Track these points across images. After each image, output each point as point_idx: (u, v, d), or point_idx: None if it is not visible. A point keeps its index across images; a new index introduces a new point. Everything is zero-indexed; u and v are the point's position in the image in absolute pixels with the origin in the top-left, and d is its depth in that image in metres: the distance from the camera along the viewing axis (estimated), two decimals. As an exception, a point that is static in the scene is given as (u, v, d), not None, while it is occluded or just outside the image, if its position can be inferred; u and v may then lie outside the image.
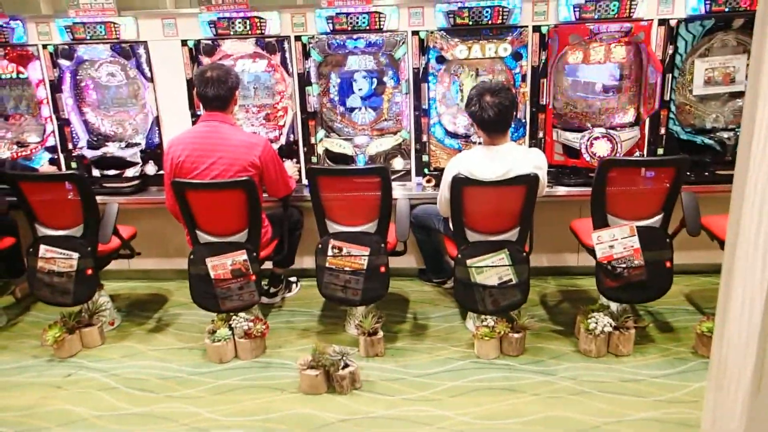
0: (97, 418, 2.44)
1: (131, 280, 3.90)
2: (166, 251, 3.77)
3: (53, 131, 3.61)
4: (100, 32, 3.40)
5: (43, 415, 2.49)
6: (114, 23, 3.38)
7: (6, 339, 3.19)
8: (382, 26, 3.28)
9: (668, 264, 2.73)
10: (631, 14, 3.16)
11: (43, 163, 3.63)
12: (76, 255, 2.91)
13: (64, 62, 3.48)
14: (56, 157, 3.64)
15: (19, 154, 3.59)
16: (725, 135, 3.25)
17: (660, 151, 3.31)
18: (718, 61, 3.26)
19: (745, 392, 0.89)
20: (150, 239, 3.64)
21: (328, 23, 3.27)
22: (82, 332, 3.00)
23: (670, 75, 3.20)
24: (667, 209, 2.71)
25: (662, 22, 3.16)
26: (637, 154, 3.30)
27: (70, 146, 3.61)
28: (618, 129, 3.28)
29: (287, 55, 3.37)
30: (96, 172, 3.55)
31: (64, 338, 2.89)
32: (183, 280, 3.28)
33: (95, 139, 3.64)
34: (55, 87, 3.53)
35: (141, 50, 3.43)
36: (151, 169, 3.55)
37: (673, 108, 3.26)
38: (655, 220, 2.73)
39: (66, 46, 3.44)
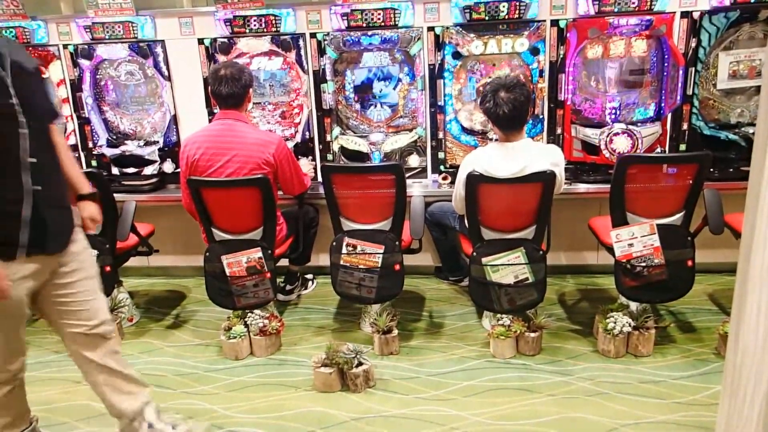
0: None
1: (150, 276, 3.96)
2: (184, 248, 3.81)
3: (74, 130, 3.67)
4: (119, 32, 3.44)
5: (64, 410, 2.53)
6: (132, 23, 3.41)
7: (28, 335, 3.22)
8: (397, 22, 3.25)
9: (690, 263, 2.67)
10: (652, 7, 3.08)
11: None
12: (95, 252, 2.94)
13: (83, 62, 3.53)
14: (77, 155, 3.69)
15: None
16: (750, 130, 3.16)
17: (682, 147, 3.23)
18: (744, 54, 3.17)
19: (761, 399, 0.85)
20: (168, 236, 3.68)
21: (342, 20, 3.26)
22: (102, 328, 3.04)
23: (693, 69, 3.12)
24: (688, 207, 2.65)
25: (685, 14, 3.08)
26: (659, 150, 3.22)
27: (91, 144, 3.66)
28: (639, 125, 3.21)
29: (302, 52, 3.37)
30: (115, 170, 3.59)
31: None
32: (200, 277, 3.31)
33: (114, 137, 3.69)
34: (76, 86, 3.58)
35: (158, 49, 3.46)
36: (168, 167, 3.58)
37: (696, 103, 3.17)
38: (676, 218, 2.66)
39: (85, 46, 3.49)
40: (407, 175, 3.16)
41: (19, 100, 1.63)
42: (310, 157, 3.53)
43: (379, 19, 3.25)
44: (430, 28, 3.25)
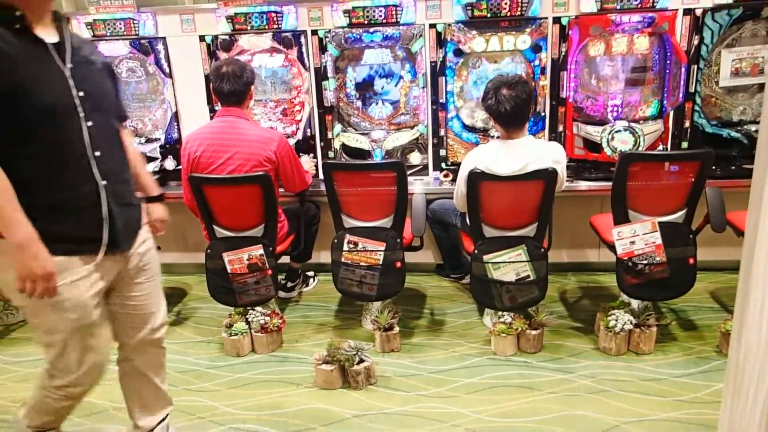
0: (116, 410, 2.48)
1: (152, 273, 3.95)
2: (186, 246, 3.82)
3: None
4: (120, 29, 3.44)
5: (65, 406, 2.53)
6: (133, 19, 3.41)
7: (30, 331, 3.24)
8: (398, 19, 3.25)
9: (692, 261, 2.66)
10: (655, 4, 3.07)
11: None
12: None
13: (85, 59, 3.52)
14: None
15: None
16: (753, 128, 3.15)
17: (684, 144, 3.22)
18: (747, 52, 3.16)
19: (764, 397, 0.85)
20: (169, 234, 3.64)
21: (344, 17, 3.25)
22: (103, 325, 3.05)
23: (696, 66, 3.11)
24: (690, 204, 2.64)
25: (687, 11, 3.08)
26: (661, 147, 3.22)
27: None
28: (641, 122, 3.20)
29: (304, 49, 3.37)
30: (117, 168, 3.59)
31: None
32: (202, 275, 3.30)
33: (116, 134, 3.69)
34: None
35: (160, 46, 3.46)
36: (170, 164, 3.58)
37: (698, 100, 3.17)
38: (678, 216, 2.66)
39: (87, 43, 3.48)
40: (409, 172, 3.16)
41: (82, 93, 1.59)
42: (312, 155, 3.52)
43: (380, 16, 3.24)
44: (432, 25, 3.25)
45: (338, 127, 3.51)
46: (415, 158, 3.50)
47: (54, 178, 1.57)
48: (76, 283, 1.64)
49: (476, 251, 2.72)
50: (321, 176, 3.43)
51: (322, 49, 3.34)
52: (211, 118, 3.39)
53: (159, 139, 3.60)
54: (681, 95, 3.15)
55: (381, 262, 2.79)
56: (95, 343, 1.73)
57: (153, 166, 3.56)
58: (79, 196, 1.61)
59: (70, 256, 1.62)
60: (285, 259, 3.37)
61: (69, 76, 1.57)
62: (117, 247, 1.71)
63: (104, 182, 1.64)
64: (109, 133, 1.71)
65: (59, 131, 1.55)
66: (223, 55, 3.38)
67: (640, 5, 3.08)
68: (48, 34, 1.57)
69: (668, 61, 3.19)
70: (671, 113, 3.21)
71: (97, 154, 1.62)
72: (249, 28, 3.36)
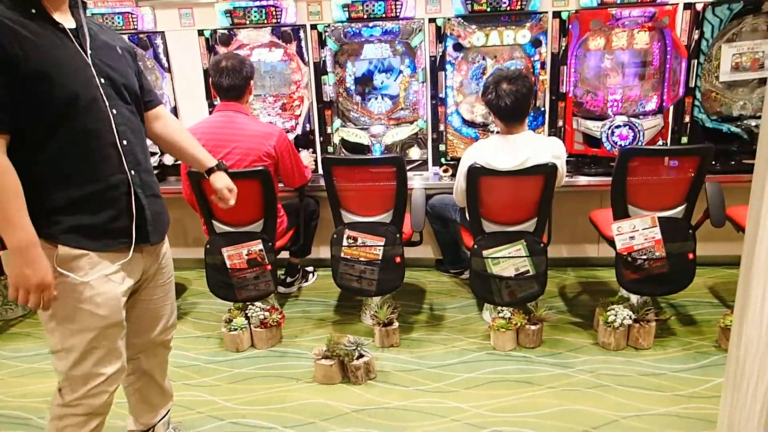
0: (115, 405, 2.45)
1: (151, 269, 3.95)
2: (185, 241, 3.81)
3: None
4: (118, 23, 3.42)
5: (64, 401, 2.53)
6: (131, 14, 3.39)
7: (29, 326, 3.26)
8: (398, 14, 3.24)
9: (691, 256, 2.66)
10: (655, -2, 3.07)
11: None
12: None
13: (83, 53, 3.51)
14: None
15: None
16: (753, 123, 3.15)
17: (684, 139, 3.22)
18: (747, 46, 3.15)
19: (763, 392, 0.85)
20: (169, 228, 3.67)
21: (344, 11, 3.24)
22: (103, 320, 3.05)
23: (696, 61, 3.10)
24: (690, 199, 2.64)
25: (688, 6, 3.07)
26: (661, 142, 3.21)
27: (90, 137, 3.65)
28: (640, 117, 3.19)
29: (303, 44, 3.35)
30: (115, 163, 3.58)
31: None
32: (201, 270, 3.30)
33: (115, 129, 3.68)
34: (75, 78, 3.56)
35: (158, 40, 3.45)
36: (169, 159, 3.57)
37: (698, 95, 3.16)
38: (677, 211, 2.66)
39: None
40: (408, 167, 3.15)
41: (104, 80, 1.51)
42: (311, 150, 3.52)
43: (380, 10, 3.23)
44: (432, 20, 3.24)
45: (338, 121, 3.50)
46: (414, 153, 3.49)
47: (84, 170, 1.50)
48: (110, 277, 1.57)
49: (476, 246, 2.72)
50: (320, 171, 3.43)
51: (322, 43, 3.33)
52: (210, 112, 3.39)
53: (158, 134, 3.59)
54: (681, 90, 3.14)
55: (380, 258, 2.79)
56: (119, 346, 1.64)
57: (152, 161, 3.55)
58: (110, 187, 1.55)
59: (104, 251, 1.55)
60: (284, 255, 3.36)
61: (91, 64, 1.50)
62: (148, 241, 1.66)
63: (133, 173, 1.59)
64: (133, 121, 1.63)
65: (86, 121, 1.48)
66: (221, 50, 3.37)
67: (640, 0, 3.07)
68: (66, 19, 1.49)
69: (668, 56, 3.18)
70: (671, 108, 3.20)
71: (124, 143, 1.56)
72: (248, 22, 3.35)
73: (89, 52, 1.51)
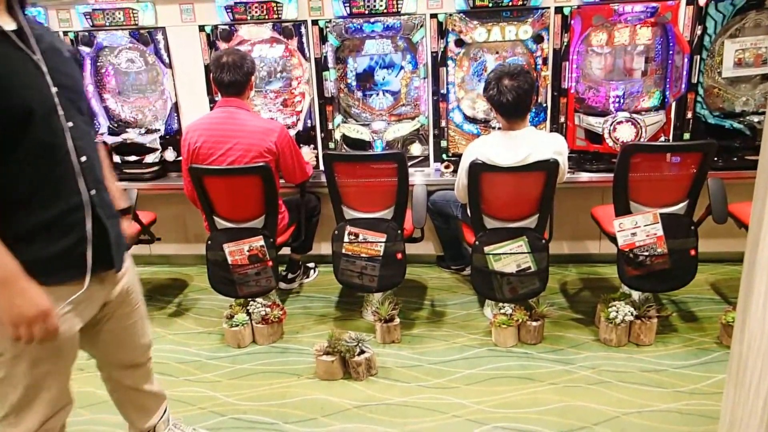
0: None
1: (152, 265, 3.96)
2: (186, 237, 3.82)
3: (75, 118, 3.65)
4: (119, 18, 3.41)
5: (66, 396, 2.54)
6: (132, 9, 3.38)
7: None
8: (399, 9, 3.22)
9: (693, 252, 2.66)
10: (658, -6, 3.05)
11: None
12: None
13: (84, 49, 3.50)
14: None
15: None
16: (755, 119, 3.14)
17: (686, 135, 3.21)
18: (750, 42, 3.13)
19: (766, 389, 0.85)
20: (170, 225, 3.69)
21: (345, 7, 3.23)
22: (104, 316, 3.05)
23: (698, 57, 3.09)
24: (692, 196, 2.64)
25: (690, 1, 3.05)
26: (663, 139, 3.20)
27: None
28: (642, 113, 3.18)
29: (304, 39, 3.35)
30: (117, 158, 3.58)
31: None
32: (202, 266, 3.31)
33: (116, 125, 3.68)
34: (76, 74, 3.56)
35: (159, 36, 3.43)
36: (170, 155, 3.57)
37: (700, 91, 3.15)
38: (679, 207, 2.65)
39: (86, 33, 3.47)
40: (409, 163, 3.15)
41: (56, 88, 1.33)
42: (312, 146, 3.51)
43: (381, 6, 3.22)
44: (433, 15, 3.22)
45: (339, 117, 3.49)
46: (415, 149, 3.49)
47: (43, 192, 1.32)
48: (66, 315, 1.39)
49: (477, 242, 2.72)
50: (321, 167, 3.43)
51: (323, 39, 3.32)
52: (211, 108, 3.38)
53: (159, 129, 3.59)
54: (683, 86, 3.13)
55: (382, 254, 2.78)
56: (66, 381, 1.49)
57: (153, 157, 3.56)
58: (71, 210, 1.37)
59: (59, 285, 1.37)
60: (286, 251, 3.36)
61: (46, 72, 1.31)
62: (112, 267, 1.49)
63: (93, 192, 1.41)
64: (90, 135, 1.46)
65: (43, 135, 1.30)
66: (222, 46, 3.36)
67: (642, -5, 3.06)
68: (3, 21, 1.29)
69: (671, 52, 3.17)
70: (673, 104, 3.19)
71: (83, 159, 1.38)
72: (249, 18, 3.34)
73: (36, 56, 1.31)
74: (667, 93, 3.22)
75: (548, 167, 2.55)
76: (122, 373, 1.79)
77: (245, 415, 2.36)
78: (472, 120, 3.40)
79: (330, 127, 3.46)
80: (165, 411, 2.03)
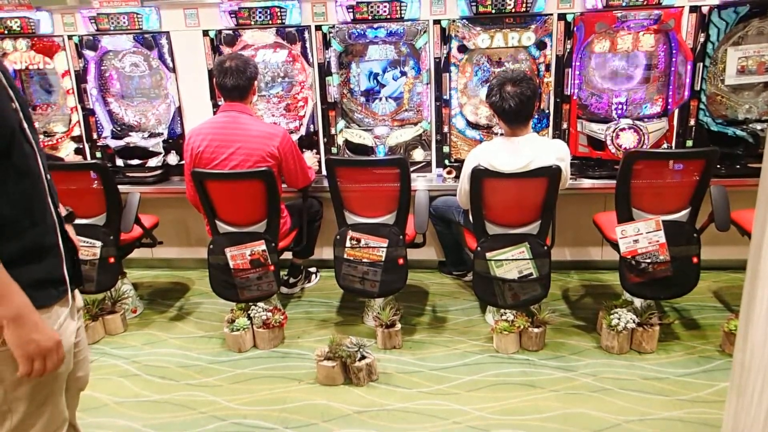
0: (117, 404, 2.48)
1: (154, 268, 3.96)
2: (188, 241, 3.82)
3: (78, 121, 3.67)
4: (124, 23, 3.43)
5: (67, 399, 2.53)
6: (137, 14, 3.40)
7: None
8: (403, 15, 3.23)
9: (695, 260, 2.65)
10: (661, 1, 3.05)
11: (68, 153, 3.70)
12: (99, 243, 2.96)
13: (88, 53, 3.52)
14: (81, 146, 3.70)
15: (46, 144, 3.66)
16: (758, 126, 3.13)
17: (689, 143, 3.21)
18: (753, 50, 3.14)
19: (769, 398, 0.84)
20: (172, 228, 3.69)
21: (348, 12, 3.24)
22: (105, 319, 3.05)
23: (701, 64, 3.09)
24: (695, 203, 2.63)
25: (694, 9, 3.05)
26: (665, 146, 3.20)
27: (95, 136, 3.66)
28: (645, 120, 3.18)
29: (308, 44, 3.36)
30: (120, 162, 3.59)
31: (87, 325, 2.94)
32: (204, 270, 3.32)
33: (119, 129, 3.69)
34: (80, 77, 3.58)
35: (163, 40, 3.45)
36: (173, 159, 3.58)
37: (703, 98, 3.15)
38: (682, 215, 2.65)
39: (90, 37, 3.48)
40: (412, 169, 3.15)
41: (19, 105, 1.27)
42: (315, 151, 3.52)
43: (384, 11, 3.23)
44: (436, 21, 3.23)
45: (341, 123, 3.50)
46: (418, 155, 3.49)
47: (27, 213, 1.27)
48: (61, 330, 1.34)
49: (479, 248, 2.71)
50: (324, 172, 3.43)
51: (326, 44, 3.33)
52: (215, 113, 3.39)
53: (162, 133, 3.60)
54: (686, 93, 3.13)
55: (383, 259, 2.78)
56: (62, 400, 1.41)
57: (156, 161, 3.57)
58: (49, 230, 1.32)
59: (52, 306, 1.32)
60: (287, 255, 3.36)
61: (7, 86, 1.22)
62: (81, 283, 1.46)
63: (58, 210, 1.37)
64: (43, 150, 1.37)
65: (21, 155, 1.25)
66: (226, 50, 3.38)
67: (645, 2, 3.06)
68: None
69: (674, 59, 3.17)
70: (676, 111, 3.19)
71: (48, 177, 1.34)
72: (252, 23, 3.35)
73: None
74: (670, 100, 3.22)
75: (550, 173, 2.55)
76: (73, 398, 1.58)
77: (245, 419, 2.36)
78: (475, 126, 3.41)
79: (333, 132, 3.47)
80: None
